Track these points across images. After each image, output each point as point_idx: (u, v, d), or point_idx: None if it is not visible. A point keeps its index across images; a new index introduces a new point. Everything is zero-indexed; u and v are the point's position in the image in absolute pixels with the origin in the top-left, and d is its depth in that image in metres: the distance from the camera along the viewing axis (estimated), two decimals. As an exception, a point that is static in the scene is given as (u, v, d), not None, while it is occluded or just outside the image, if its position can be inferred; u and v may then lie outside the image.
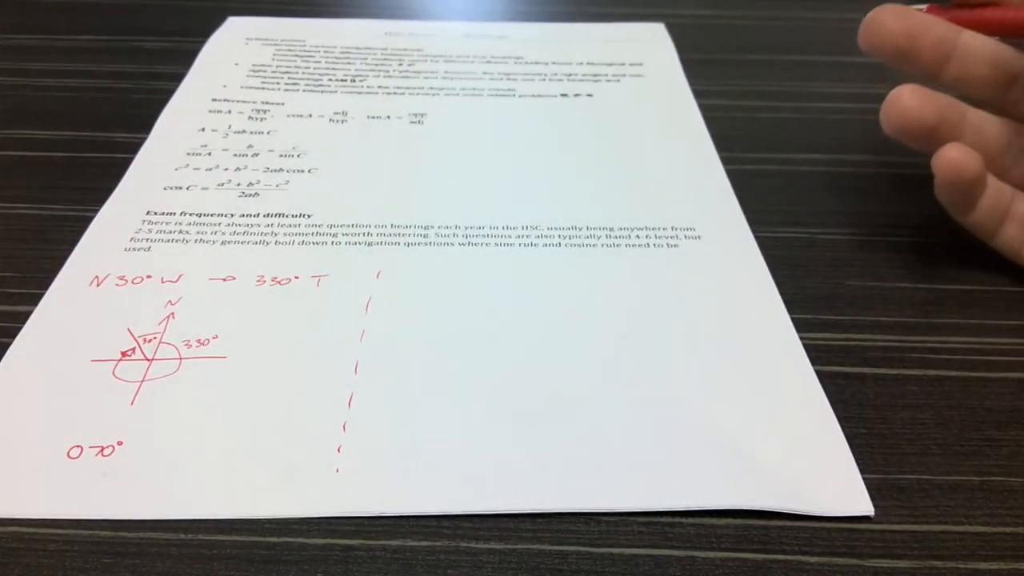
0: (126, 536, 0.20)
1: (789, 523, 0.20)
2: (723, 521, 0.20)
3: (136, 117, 0.35)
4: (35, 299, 0.26)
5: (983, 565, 0.20)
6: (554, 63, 0.40)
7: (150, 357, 0.24)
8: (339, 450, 0.21)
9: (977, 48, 0.26)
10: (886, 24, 0.26)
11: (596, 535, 0.20)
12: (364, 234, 0.29)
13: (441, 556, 0.20)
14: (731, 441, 0.22)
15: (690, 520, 0.20)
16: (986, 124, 0.27)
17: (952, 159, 0.25)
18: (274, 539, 0.20)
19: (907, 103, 0.25)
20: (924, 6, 0.28)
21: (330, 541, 0.20)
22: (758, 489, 0.21)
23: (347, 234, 0.29)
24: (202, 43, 0.41)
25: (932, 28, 0.26)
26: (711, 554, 0.20)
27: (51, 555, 0.19)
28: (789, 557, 0.20)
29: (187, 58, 0.39)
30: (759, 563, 0.20)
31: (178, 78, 0.38)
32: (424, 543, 0.20)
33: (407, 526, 0.20)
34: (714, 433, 0.22)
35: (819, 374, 0.24)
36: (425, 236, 0.29)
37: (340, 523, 0.20)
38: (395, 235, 0.29)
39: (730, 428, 0.22)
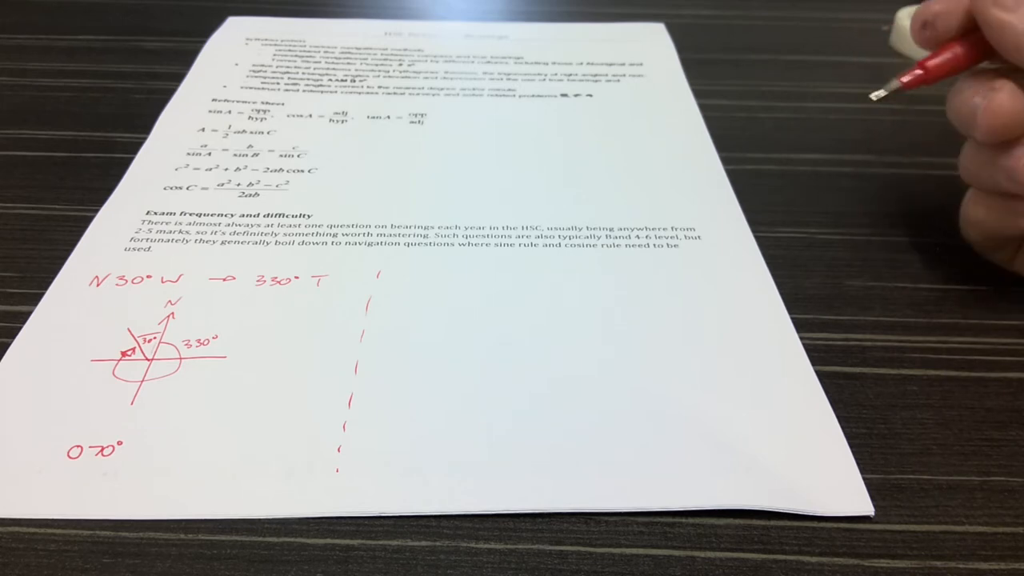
0: (126, 536, 0.20)
1: (789, 523, 0.20)
2: (723, 521, 0.20)
3: (136, 117, 0.35)
4: (35, 299, 0.26)
5: (983, 565, 0.20)
6: (554, 63, 0.40)
7: (150, 357, 0.24)
8: (339, 450, 0.21)
9: None
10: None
11: (596, 535, 0.20)
12: (364, 234, 0.29)
13: (441, 556, 0.20)
14: (731, 441, 0.22)
15: (690, 520, 0.20)
16: None
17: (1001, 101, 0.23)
18: (274, 539, 0.20)
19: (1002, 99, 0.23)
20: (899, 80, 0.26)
21: (330, 541, 0.20)
22: (758, 489, 0.21)
23: (347, 234, 0.29)
24: (202, 43, 0.41)
25: None
26: (711, 554, 0.20)
27: (51, 555, 0.19)
28: (789, 557, 0.20)
29: (187, 58, 0.39)
30: (759, 563, 0.20)
31: (178, 78, 0.38)
32: (424, 543, 0.20)
33: (407, 526, 0.20)
34: (714, 433, 0.22)
35: (819, 374, 0.24)
36: (425, 236, 0.29)
37: (340, 523, 0.20)
38: (395, 235, 0.29)
39: (730, 428, 0.22)
